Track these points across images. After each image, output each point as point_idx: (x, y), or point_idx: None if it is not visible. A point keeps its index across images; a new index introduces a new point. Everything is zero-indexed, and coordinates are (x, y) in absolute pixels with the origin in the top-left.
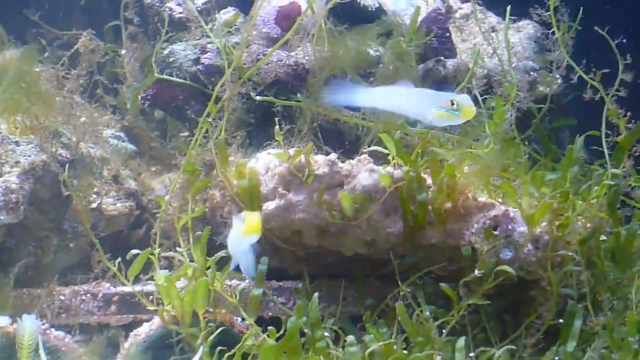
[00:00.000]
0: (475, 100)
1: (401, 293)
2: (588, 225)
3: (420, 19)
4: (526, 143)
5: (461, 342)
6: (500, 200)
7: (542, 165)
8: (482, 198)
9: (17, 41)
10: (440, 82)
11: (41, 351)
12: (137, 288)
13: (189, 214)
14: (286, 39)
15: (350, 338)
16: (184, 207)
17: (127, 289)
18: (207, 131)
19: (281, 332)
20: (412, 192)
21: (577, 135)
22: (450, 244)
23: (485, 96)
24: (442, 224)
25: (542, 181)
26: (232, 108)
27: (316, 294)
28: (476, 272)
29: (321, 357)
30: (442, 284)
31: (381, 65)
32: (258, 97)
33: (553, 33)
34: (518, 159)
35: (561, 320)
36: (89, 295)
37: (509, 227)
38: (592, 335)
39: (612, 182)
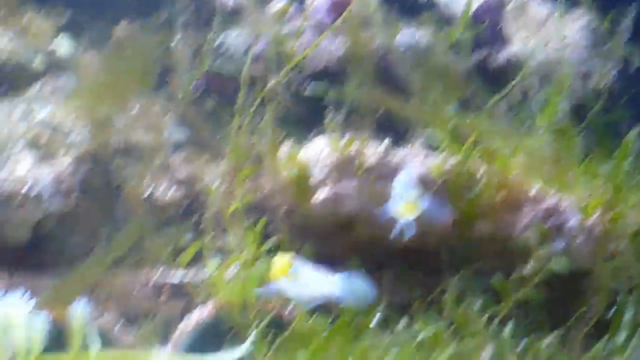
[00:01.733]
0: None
1: (450, 284)
2: None
3: (473, 9)
4: (580, 134)
5: (510, 332)
6: (553, 191)
7: (596, 157)
8: (535, 189)
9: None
10: (494, 73)
11: (92, 338)
12: (188, 276)
13: (237, 202)
14: (336, 26)
15: (400, 327)
16: (233, 195)
17: (179, 276)
18: (257, 120)
19: (330, 319)
20: (463, 183)
21: (633, 127)
22: (501, 236)
23: (538, 87)
24: (493, 216)
25: (595, 173)
26: (282, 97)
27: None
28: (528, 266)
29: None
30: (492, 277)
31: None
32: (309, 86)
33: (609, 23)
34: (571, 150)
35: (611, 313)
36: (139, 282)
37: (561, 218)
38: None
39: None
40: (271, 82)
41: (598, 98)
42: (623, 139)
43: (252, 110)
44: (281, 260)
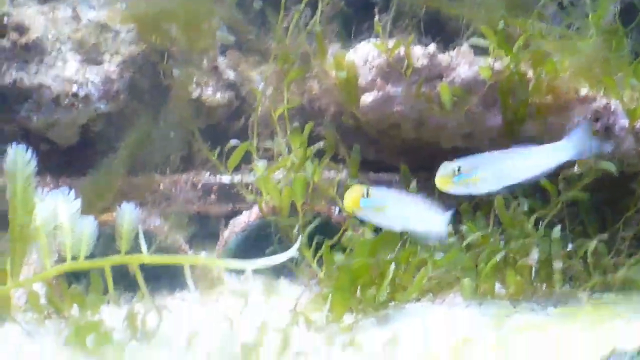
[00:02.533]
0: None
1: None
2: None
3: None
4: (629, 35)
5: (557, 233)
6: (601, 93)
7: None
8: (584, 91)
9: None
10: None
11: (141, 240)
12: (236, 178)
13: (285, 104)
14: None
15: (448, 229)
16: (280, 98)
17: (227, 179)
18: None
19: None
20: (513, 85)
21: None
22: (550, 138)
23: None
24: (542, 118)
25: None
26: None
27: (414, 183)
28: (575, 168)
29: (418, 248)
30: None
31: None
32: None
33: None
34: (620, 51)
35: None
36: (188, 184)
37: (610, 120)
38: None
39: None
40: None
41: None
42: None
43: (299, 11)
44: (352, 191)
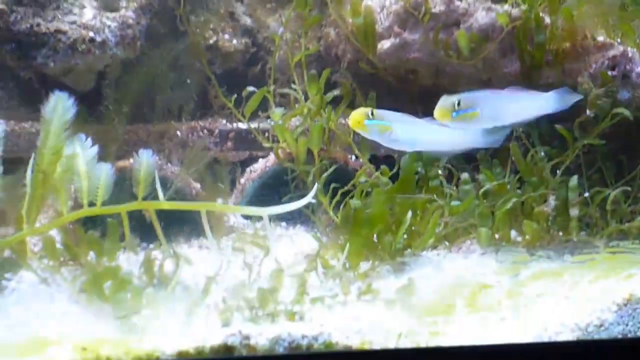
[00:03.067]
0: None
1: (515, 134)
2: None
3: None
4: None
5: (574, 181)
6: (618, 40)
7: None
8: (601, 38)
9: None
10: None
11: (158, 186)
12: (253, 125)
13: (302, 51)
14: None
15: (465, 176)
16: (298, 44)
17: (243, 125)
18: None
19: (394, 170)
20: (530, 31)
21: None
22: (568, 84)
23: None
24: (559, 64)
25: None
26: None
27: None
28: (587, 112)
29: (434, 196)
30: (556, 125)
31: None
32: None
33: None
34: None
35: None
36: (205, 131)
37: (627, 67)
38: None
39: None
40: None
41: None
42: None
43: None
44: (357, 111)
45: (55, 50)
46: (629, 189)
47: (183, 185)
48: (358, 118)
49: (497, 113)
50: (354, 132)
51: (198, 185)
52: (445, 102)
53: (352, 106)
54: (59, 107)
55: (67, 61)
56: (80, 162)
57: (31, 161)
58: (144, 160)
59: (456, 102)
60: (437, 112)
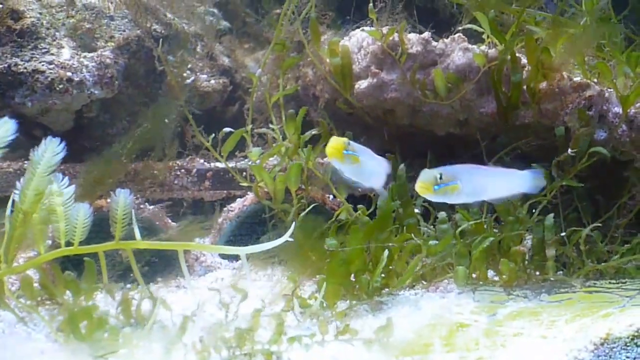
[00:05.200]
0: None
1: None
2: None
3: None
4: (622, 23)
5: (550, 220)
6: (595, 80)
7: (638, 46)
8: (577, 78)
9: None
10: None
11: (134, 226)
12: (231, 164)
13: (280, 91)
14: None
15: (442, 215)
16: (276, 84)
17: (221, 165)
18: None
19: (372, 209)
20: (506, 71)
21: None
22: (544, 124)
23: None
24: (536, 104)
25: (637, 61)
26: None
27: (402, 166)
28: (569, 151)
29: (412, 235)
30: (533, 164)
31: None
32: None
33: None
34: (614, 38)
35: None
36: (183, 170)
37: (604, 107)
38: None
39: None
40: None
41: None
42: None
43: None
44: (335, 140)
45: (33, 90)
46: (606, 228)
47: (160, 223)
48: (337, 147)
49: (476, 188)
50: (332, 171)
51: (175, 224)
52: (426, 176)
53: None
54: (49, 150)
55: (45, 101)
56: (57, 202)
57: (10, 201)
58: (121, 200)
59: (438, 176)
60: (418, 185)
